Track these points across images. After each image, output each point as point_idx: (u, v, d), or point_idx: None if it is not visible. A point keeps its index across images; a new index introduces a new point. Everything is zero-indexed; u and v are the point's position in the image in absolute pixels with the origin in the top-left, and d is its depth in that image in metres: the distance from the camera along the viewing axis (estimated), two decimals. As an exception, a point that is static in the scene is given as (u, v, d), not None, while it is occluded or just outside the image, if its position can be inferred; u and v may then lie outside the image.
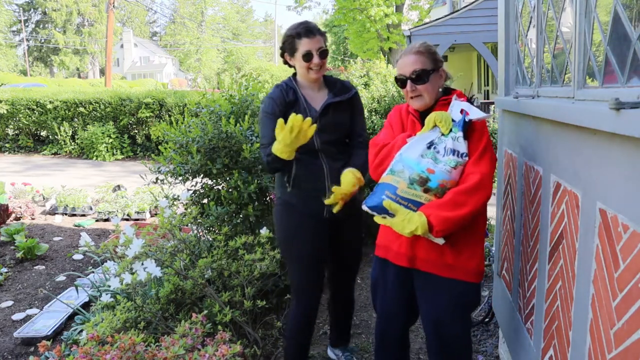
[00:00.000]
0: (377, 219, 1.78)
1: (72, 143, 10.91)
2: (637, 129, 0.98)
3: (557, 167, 1.62)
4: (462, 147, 1.74)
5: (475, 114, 1.76)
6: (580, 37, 1.45)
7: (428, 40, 2.00)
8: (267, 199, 3.09)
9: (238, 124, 2.84)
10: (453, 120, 1.78)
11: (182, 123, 3.06)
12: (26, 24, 49.97)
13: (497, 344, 2.80)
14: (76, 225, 5.53)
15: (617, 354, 1.13)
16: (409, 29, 12.24)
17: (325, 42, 2.21)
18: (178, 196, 3.06)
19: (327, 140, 2.19)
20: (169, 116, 10.24)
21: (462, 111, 1.79)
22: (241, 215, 2.97)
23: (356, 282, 2.72)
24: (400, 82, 1.90)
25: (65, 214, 5.95)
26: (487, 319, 3.03)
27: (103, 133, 10.44)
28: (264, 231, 2.42)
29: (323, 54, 2.14)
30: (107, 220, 5.69)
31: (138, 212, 5.68)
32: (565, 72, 1.66)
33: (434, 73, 1.87)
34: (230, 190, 2.91)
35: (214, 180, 3.02)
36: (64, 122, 10.81)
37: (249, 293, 2.31)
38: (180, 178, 2.94)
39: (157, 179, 3.03)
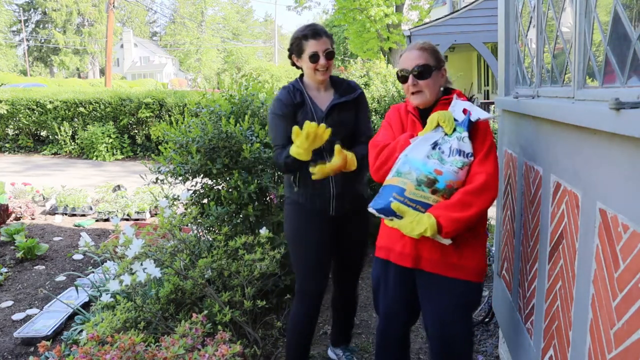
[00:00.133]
0: (385, 221, 1.76)
1: (72, 143, 10.92)
2: (637, 129, 0.98)
3: (557, 167, 1.62)
4: (468, 147, 1.73)
5: (478, 114, 1.76)
6: (580, 37, 1.45)
7: (428, 40, 2.01)
8: (267, 199, 3.09)
9: (238, 124, 2.84)
10: (455, 120, 1.77)
11: (182, 123, 3.06)
12: (26, 24, 49.98)
13: (497, 344, 2.80)
14: (76, 225, 5.53)
15: (617, 354, 1.13)
16: (409, 29, 12.25)
17: (332, 44, 2.24)
18: (178, 196, 3.06)
19: (333, 140, 2.20)
20: (169, 116, 10.24)
21: (464, 111, 1.78)
22: (241, 215, 2.97)
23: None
24: (402, 77, 1.89)
25: (65, 214, 5.95)
26: (487, 319, 3.03)
27: (103, 133, 10.44)
28: (264, 231, 2.42)
29: (329, 55, 2.19)
30: (107, 220, 5.69)
31: (138, 212, 5.68)
32: (565, 72, 1.66)
33: (436, 71, 1.88)
34: (230, 190, 2.91)
35: (214, 180, 3.02)
36: (64, 122, 10.81)
37: (249, 293, 2.31)
38: (180, 178, 2.94)
39: (157, 179, 3.03)
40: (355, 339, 2.90)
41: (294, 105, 2.21)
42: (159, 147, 3.32)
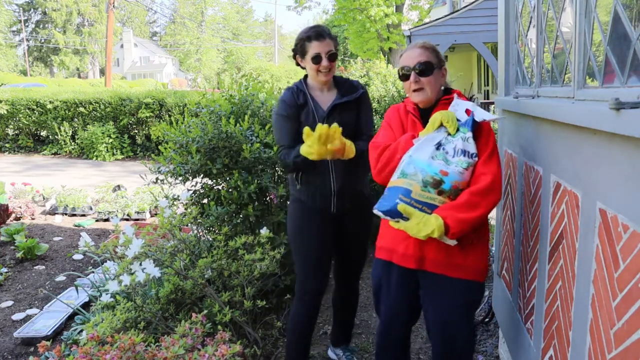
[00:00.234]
0: (391, 223, 1.74)
1: (72, 143, 10.92)
2: (637, 129, 0.98)
3: (557, 167, 1.62)
4: (472, 147, 1.73)
5: (482, 114, 1.76)
6: (580, 37, 1.45)
7: (428, 40, 2.01)
8: (267, 199, 3.09)
9: (238, 124, 2.84)
10: (458, 120, 1.77)
11: (182, 123, 3.06)
12: (26, 24, 49.98)
13: (497, 344, 2.80)
14: (76, 225, 5.53)
15: (617, 354, 1.13)
16: (409, 29, 12.25)
17: (336, 46, 2.26)
18: (178, 196, 3.06)
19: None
20: (169, 116, 10.24)
21: (467, 111, 1.78)
22: (241, 215, 2.97)
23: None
24: (404, 75, 1.89)
25: (65, 214, 5.95)
26: (487, 319, 3.03)
27: (103, 133, 10.44)
28: (264, 231, 2.42)
29: (332, 57, 2.21)
30: (107, 220, 5.69)
31: (138, 212, 5.68)
32: (565, 72, 1.66)
33: (437, 69, 1.89)
34: (230, 190, 2.91)
35: (214, 180, 3.02)
36: (64, 122, 10.81)
37: (249, 293, 2.31)
38: (180, 178, 2.94)
39: (157, 179, 3.03)
40: (355, 339, 2.90)
41: (297, 106, 2.24)
42: (159, 147, 3.32)
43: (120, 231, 2.28)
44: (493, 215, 3.07)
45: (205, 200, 3.08)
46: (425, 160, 1.71)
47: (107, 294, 2.31)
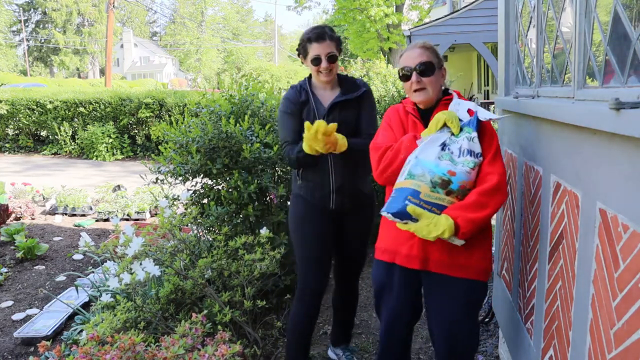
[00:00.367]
0: (398, 225, 1.73)
1: (72, 143, 10.92)
2: (637, 129, 0.98)
3: (557, 167, 1.62)
4: (478, 147, 1.73)
5: (484, 113, 1.76)
6: (580, 37, 1.45)
7: (428, 40, 2.01)
8: (267, 199, 3.09)
9: (238, 124, 2.84)
10: (460, 120, 1.77)
11: (182, 123, 3.06)
12: (26, 24, 49.97)
13: (497, 344, 2.80)
14: (76, 225, 5.53)
15: (617, 354, 1.13)
16: (409, 29, 12.24)
17: (338, 47, 2.28)
18: (178, 196, 3.06)
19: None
20: (169, 116, 10.24)
21: (470, 112, 1.78)
22: (241, 215, 2.97)
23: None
24: (404, 75, 1.89)
25: (65, 214, 5.95)
26: (487, 319, 3.03)
27: (103, 133, 10.44)
28: (264, 231, 2.42)
29: (331, 58, 2.23)
30: (107, 220, 5.69)
31: (138, 212, 5.68)
32: (565, 72, 1.66)
33: (438, 69, 1.89)
34: (230, 190, 2.91)
35: (214, 180, 3.02)
36: (64, 122, 10.81)
37: (249, 293, 2.31)
38: (180, 178, 2.94)
39: (157, 179, 3.03)
40: (355, 339, 2.90)
41: (299, 103, 2.29)
42: (159, 147, 3.32)
43: (120, 231, 2.28)
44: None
45: (205, 200, 3.08)
46: (432, 160, 1.71)
47: (107, 293, 2.32)
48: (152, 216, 5.76)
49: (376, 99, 4.92)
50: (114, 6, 23.56)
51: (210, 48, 55.72)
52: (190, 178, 2.97)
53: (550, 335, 1.63)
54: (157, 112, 10.43)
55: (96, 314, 2.61)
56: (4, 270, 4.02)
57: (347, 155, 2.19)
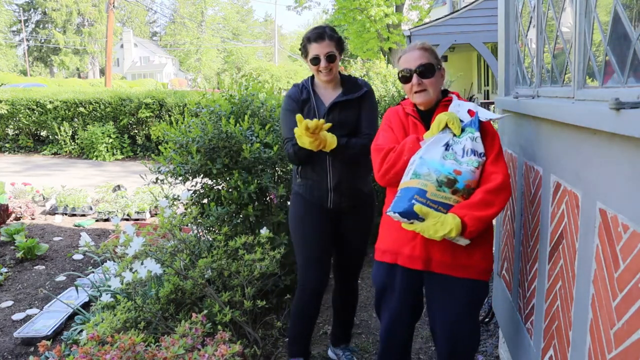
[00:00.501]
0: (404, 225, 1.72)
1: (72, 143, 10.92)
2: (637, 129, 0.98)
3: (557, 167, 1.62)
4: (481, 147, 1.75)
5: (485, 113, 1.77)
6: (580, 37, 1.45)
7: (428, 40, 2.02)
8: (267, 199, 3.09)
9: (238, 124, 2.84)
10: (461, 121, 1.78)
11: (182, 123, 3.06)
12: (26, 24, 49.98)
13: (497, 344, 2.80)
14: (76, 225, 5.53)
15: (617, 354, 1.13)
16: (409, 29, 12.24)
17: (338, 47, 2.29)
18: (178, 196, 3.06)
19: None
20: (169, 116, 10.24)
21: (471, 112, 1.78)
22: (241, 215, 2.97)
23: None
24: (404, 77, 1.89)
25: (65, 214, 5.95)
26: (487, 319, 3.03)
27: (103, 133, 10.44)
28: (264, 231, 2.42)
29: (330, 58, 2.24)
30: (107, 220, 5.69)
31: (138, 212, 5.68)
32: (565, 72, 1.66)
33: (437, 70, 1.90)
34: (230, 190, 2.92)
35: (214, 180, 3.02)
36: (64, 122, 10.81)
37: (249, 293, 2.31)
38: (180, 178, 2.94)
39: (157, 179, 3.03)
40: (355, 339, 2.90)
41: (300, 101, 2.32)
42: (159, 147, 3.32)
43: (120, 231, 2.29)
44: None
45: (205, 200, 3.08)
46: (438, 160, 1.71)
47: (107, 293, 2.32)
48: (152, 216, 5.76)
49: (376, 99, 4.94)
50: (114, 6, 23.56)
51: (210, 48, 55.74)
52: (190, 178, 2.97)
53: (550, 335, 1.63)
54: (157, 112, 10.43)
55: (96, 313, 2.61)
56: (4, 270, 4.02)
57: (340, 154, 2.21)
